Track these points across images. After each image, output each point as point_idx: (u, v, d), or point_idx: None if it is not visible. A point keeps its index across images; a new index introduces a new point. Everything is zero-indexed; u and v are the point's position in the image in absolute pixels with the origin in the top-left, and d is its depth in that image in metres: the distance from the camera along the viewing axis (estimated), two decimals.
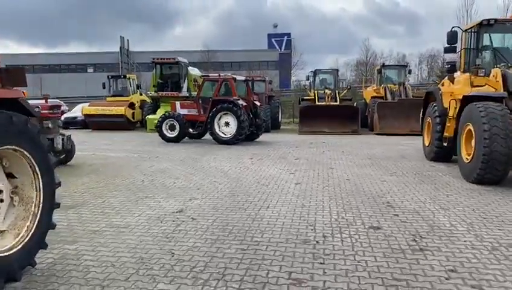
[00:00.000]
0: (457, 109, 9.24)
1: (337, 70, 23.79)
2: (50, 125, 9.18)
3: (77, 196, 6.68)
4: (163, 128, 14.88)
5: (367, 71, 61.41)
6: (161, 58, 20.48)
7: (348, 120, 18.92)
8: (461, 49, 9.27)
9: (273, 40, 75.85)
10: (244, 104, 14.51)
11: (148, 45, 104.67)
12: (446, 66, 10.42)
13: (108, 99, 22.44)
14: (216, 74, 16.26)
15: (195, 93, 20.80)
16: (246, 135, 14.40)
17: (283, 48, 73.91)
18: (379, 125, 18.83)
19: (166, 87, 20.25)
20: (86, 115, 21.31)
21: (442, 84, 11.39)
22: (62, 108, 25.21)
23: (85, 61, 65.48)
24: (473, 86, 8.88)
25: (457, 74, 10.24)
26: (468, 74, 9.23)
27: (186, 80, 20.49)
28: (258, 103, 15.74)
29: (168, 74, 20.72)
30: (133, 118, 21.49)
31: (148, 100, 22.27)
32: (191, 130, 15.45)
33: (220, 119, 14.21)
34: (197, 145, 13.97)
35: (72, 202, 6.32)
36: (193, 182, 7.76)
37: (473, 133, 7.72)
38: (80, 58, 65.75)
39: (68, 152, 9.83)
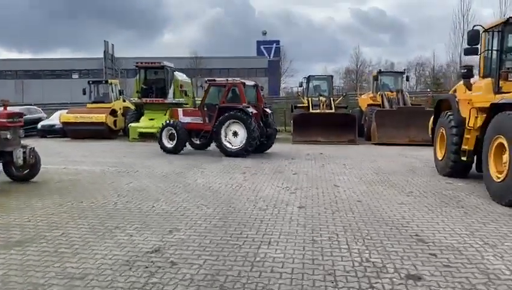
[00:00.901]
0: (479, 119, 8.13)
1: (332, 76, 22.75)
2: (8, 136, 7.85)
3: (30, 226, 5.36)
4: (164, 138, 13.56)
5: (357, 79, 60.82)
6: (145, 62, 19.20)
7: (345, 129, 17.81)
8: (483, 51, 8.17)
9: (262, 47, 75.07)
10: (255, 111, 13.16)
11: (136, 51, 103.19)
12: (461, 71, 9.32)
13: (88, 106, 21.03)
14: (223, 79, 14.66)
15: (182, 99, 19.60)
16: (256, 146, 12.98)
17: (272, 55, 73.18)
18: (377, 134, 17.74)
19: (150, 93, 18.94)
20: (64, 123, 19.84)
21: (455, 91, 10.34)
22: (39, 115, 23.89)
23: (70, 67, 63.81)
24: (498, 92, 7.79)
25: (474, 79, 9.16)
26: (490, 79, 8.15)
27: (172, 86, 19.20)
28: (268, 111, 14.43)
29: (152, 79, 19.42)
30: (115, 126, 20.09)
31: (132, 107, 20.90)
32: (195, 140, 14.16)
33: (227, 128, 12.79)
34: (183, 157, 12.67)
35: (21, 235, 5.00)
36: (176, 206, 6.48)
37: (506, 147, 6.60)
38: (65, 64, 64.11)
39: (31, 167, 8.47)
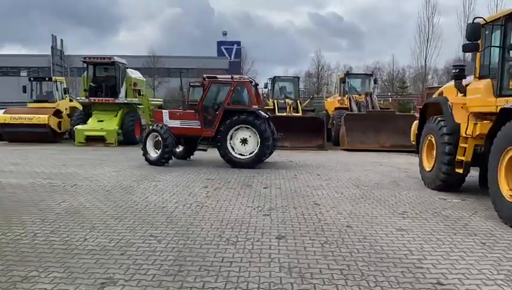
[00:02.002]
0: (478, 126, 7.06)
1: (298, 78, 21.58)
2: None
3: None
4: (149, 147, 11.25)
5: (319, 82, 60.46)
6: (94, 58, 17.26)
7: (313, 134, 16.67)
8: (484, 48, 7.11)
9: (222, 47, 73.76)
10: (266, 115, 11.56)
11: (91, 50, 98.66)
12: (452, 71, 8.30)
13: (29, 105, 18.81)
14: (227, 76, 12.62)
15: (135, 99, 17.82)
16: None
17: (233, 56, 72.01)
18: (347, 139, 16.72)
19: (99, 92, 17.05)
20: None
21: (441, 93, 9.32)
22: None
23: (18, 64, 59.76)
24: (500, 94, 6.75)
25: (467, 80, 8.14)
26: (489, 80, 7.11)
27: (124, 84, 17.38)
28: (267, 114, 12.48)
29: (102, 76, 17.53)
30: (60, 128, 18.01)
31: (80, 107, 18.86)
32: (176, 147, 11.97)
33: (233, 134, 11.02)
34: (135, 166, 11.00)
35: None
36: (116, 238, 4.93)
37: None
38: (12, 61, 59.98)
39: None
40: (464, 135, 7.40)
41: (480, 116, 7.37)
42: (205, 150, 11.42)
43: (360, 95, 20.16)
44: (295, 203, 6.83)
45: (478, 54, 7.58)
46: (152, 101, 20.77)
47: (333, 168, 11.05)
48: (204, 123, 11.32)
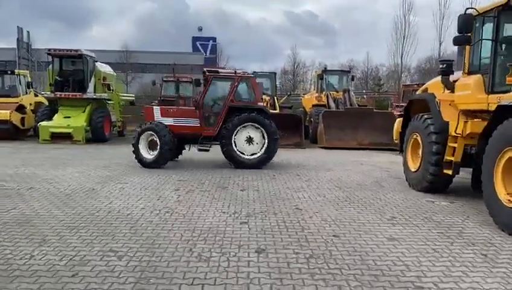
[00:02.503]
0: (469, 125, 6.65)
1: (275, 73, 21.02)
2: None
3: None
4: (142, 147, 10.00)
5: (294, 79, 60.16)
6: (60, 50, 16.22)
7: (290, 131, 16.06)
8: (476, 41, 6.67)
9: (198, 43, 72.64)
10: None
11: (62, 44, 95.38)
12: (439, 66, 7.87)
13: None
14: (229, 69, 11.67)
15: (104, 94, 16.91)
16: None
17: (208, 52, 71.02)
18: (325, 137, 16.29)
19: (66, 86, 16.04)
20: None
21: (426, 90, 8.90)
22: None
23: None
24: (492, 91, 6.34)
25: (455, 76, 7.73)
26: (480, 76, 6.70)
27: (92, 78, 16.42)
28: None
29: (69, 70, 16.51)
30: (23, 124, 16.90)
31: (46, 102, 17.77)
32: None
33: (237, 133, 10.26)
34: (102, 165, 10.21)
35: None
36: (69, 254, 4.23)
37: None
38: None
39: None
40: (453, 133, 6.98)
41: (469, 114, 6.95)
42: (207, 150, 10.63)
43: (337, 92, 19.78)
44: (275, 208, 6.25)
45: (467, 48, 7.16)
46: (123, 96, 19.87)
47: (313, 168, 10.53)
48: (204, 121, 10.47)
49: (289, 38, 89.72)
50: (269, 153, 10.36)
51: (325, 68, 20.58)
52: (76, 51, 15.98)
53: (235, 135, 10.22)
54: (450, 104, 7.39)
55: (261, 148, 10.32)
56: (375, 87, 29.40)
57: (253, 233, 5.01)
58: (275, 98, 18.85)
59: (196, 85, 11.63)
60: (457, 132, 6.78)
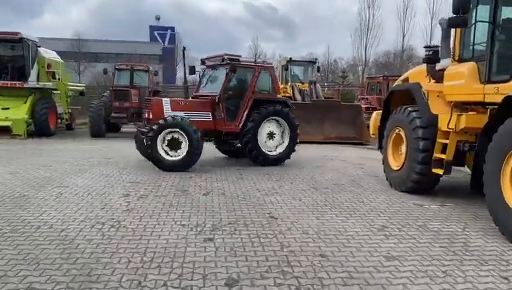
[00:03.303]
0: (464, 119, 5.89)
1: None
2: None
3: None
4: (159, 146, 8.42)
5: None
6: None
7: None
8: (473, 23, 5.88)
9: (155, 33, 70.15)
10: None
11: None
12: (425, 53, 7.10)
13: None
14: (248, 58, 10.52)
15: (49, 83, 15.25)
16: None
17: (167, 42, 68.80)
18: None
19: (4, 74, 14.32)
20: None
21: (406, 80, 8.15)
22: None
23: None
24: (489, 81, 5.60)
25: (443, 65, 6.98)
26: (474, 64, 5.95)
27: (35, 66, 14.74)
28: None
29: (8, 56, 14.78)
30: None
31: None
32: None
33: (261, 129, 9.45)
34: (39, 165, 8.83)
35: None
36: None
37: None
38: None
39: None
40: (443, 128, 6.21)
41: (462, 106, 6.21)
42: (235, 148, 9.79)
43: (302, 83, 19.01)
44: (246, 218, 5.24)
45: (457, 33, 6.41)
46: (71, 86, 18.19)
47: (282, 165, 9.60)
48: (227, 116, 9.31)
49: (249, 30, 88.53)
50: (290, 149, 9.78)
51: (290, 58, 19.71)
52: (15, 34, 14.23)
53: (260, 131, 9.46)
54: (438, 96, 6.63)
55: (281, 143, 9.70)
56: (339, 79, 28.94)
57: (221, 255, 3.98)
58: None
59: (191, 73, 10.65)
60: (449, 127, 6.00)
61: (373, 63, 50.17)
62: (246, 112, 9.29)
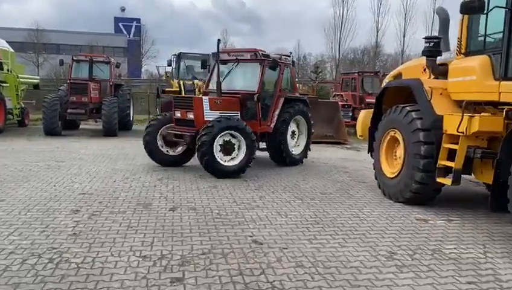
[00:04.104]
0: (476, 121, 5.05)
1: (209, 55, 18.70)
2: None
3: None
4: (215, 151, 7.45)
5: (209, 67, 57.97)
6: None
7: None
8: (490, 9, 5.05)
9: (120, 24, 67.72)
10: None
11: None
12: (425, 45, 6.27)
13: None
14: (277, 52, 9.78)
15: None
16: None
17: (132, 34, 66.54)
18: None
19: None
20: None
21: (399, 76, 7.34)
22: None
23: None
24: (506, 77, 4.80)
25: (445, 58, 6.18)
26: (486, 57, 5.14)
27: None
28: None
29: None
30: None
31: None
32: (171, 149, 8.59)
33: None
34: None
35: None
36: None
37: None
38: None
39: None
40: (450, 131, 5.38)
41: (471, 106, 5.40)
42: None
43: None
44: (223, 244, 4.22)
45: (464, 21, 5.59)
46: (24, 78, 16.55)
47: (258, 168, 8.60)
48: (263, 115, 8.68)
49: (217, 24, 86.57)
50: (307, 148, 9.63)
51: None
52: None
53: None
54: (441, 94, 5.80)
55: (299, 143, 9.48)
56: (311, 75, 28.21)
57: None
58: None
59: (202, 67, 10.16)
60: (459, 130, 5.17)
61: (340, 60, 50.06)
62: (276, 112, 8.77)
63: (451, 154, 5.39)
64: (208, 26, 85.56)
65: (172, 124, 8.32)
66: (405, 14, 40.11)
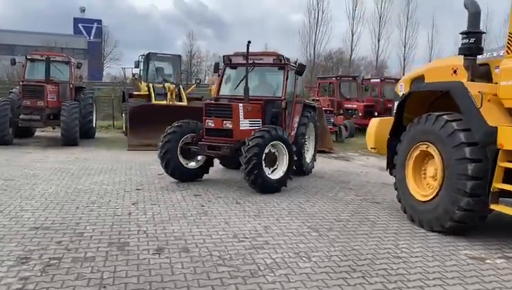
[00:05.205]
0: None
1: (180, 56, 17.21)
2: None
3: None
4: (264, 164, 6.75)
5: (191, 68, 56.40)
6: None
7: None
8: None
9: (80, 25, 64.98)
10: None
11: None
12: (462, 41, 5.22)
13: None
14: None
15: None
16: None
17: (92, 35, 63.97)
18: None
19: None
20: None
21: (419, 78, 6.29)
22: None
23: None
24: None
25: (483, 58, 5.14)
26: None
27: None
28: None
29: None
30: None
31: None
32: (190, 160, 7.67)
33: None
34: None
35: None
36: None
37: None
38: None
39: None
40: (508, 147, 4.32)
41: None
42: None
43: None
44: None
45: None
46: None
47: (246, 187, 7.29)
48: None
49: (179, 27, 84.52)
50: (315, 156, 9.31)
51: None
52: None
53: None
54: (489, 100, 4.74)
55: (308, 148, 9.01)
56: None
57: None
58: (181, 86, 15.20)
59: (215, 71, 9.23)
60: None
61: (316, 64, 49.66)
62: (296, 118, 8.20)
63: (510, 175, 4.33)
64: (171, 28, 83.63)
65: (193, 134, 7.46)
66: (379, 17, 39.98)
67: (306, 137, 8.73)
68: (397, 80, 23.38)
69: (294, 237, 4.70)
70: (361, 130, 20.01)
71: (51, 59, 13.05)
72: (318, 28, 33.42)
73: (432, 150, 5.16)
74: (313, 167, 9.14)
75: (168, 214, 5.43)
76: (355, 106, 19.85)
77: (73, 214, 5.24)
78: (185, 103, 14.21)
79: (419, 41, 44.42)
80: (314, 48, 31.29)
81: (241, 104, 7.26)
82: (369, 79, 22.94)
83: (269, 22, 77.45)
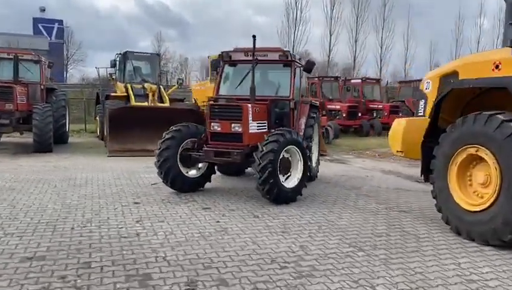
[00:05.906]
0: None
1: (158, 55, 16.26)
2: None
3: None
4: (279, 171, 6.09)
5: (160, 69, 55.05)
6: None
7: None
8: None
9: (40, 25, 62.01)
10: None
11: None
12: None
13: None
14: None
15: None
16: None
17: (54, 36, 61.25)
18: None
19: None
20: None
21: (451, 74, 5.73)
22: None
23: None
24: None
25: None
26: None
27: None
28: None
29: None
30: None
31: None
32: (190, 168, 6.86)
33: None
34: None
35: None
36: None
37: None
38: None
39: None
40: None
41: None
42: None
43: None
44: None
45: None
46: None
47: (249, 192, 6.54)
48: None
49: (143, 28, 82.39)
50: (319, 159, 8.77)
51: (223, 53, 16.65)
52: None
53: None
54: None
55: (313, 151, 8.22)
56: None
57: None
58: (162, 87, 14.26)
59: (213, 69, 8.80)
60: None
61: None
62: (302, 119, 7.57)
63: None
64: (135, 30, 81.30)
65: (193, 139, 6.67)
66: (356, 17, 40.04)
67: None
68: (378, 81, 23.39)
69: (342, 260, 4.00)
70: (345, 131, 19.68)
71: (19, 58, 11.85)
72: (296, 28, 33.01)
73: (484, 153, 4.60)
74: (318, 172, 8.52)
75: (182, 233, 4.62)
76: (338, 107, 19.44)
77: (70, 237, 4.35)
78: (167, 104, 13.29)
79: (396, 43, 44.72)
80: (293, 47, 30.86)
81: (249, 105, 6.49)
82: (350, 80, 22.63)
83: (233, 22, 76.78)
